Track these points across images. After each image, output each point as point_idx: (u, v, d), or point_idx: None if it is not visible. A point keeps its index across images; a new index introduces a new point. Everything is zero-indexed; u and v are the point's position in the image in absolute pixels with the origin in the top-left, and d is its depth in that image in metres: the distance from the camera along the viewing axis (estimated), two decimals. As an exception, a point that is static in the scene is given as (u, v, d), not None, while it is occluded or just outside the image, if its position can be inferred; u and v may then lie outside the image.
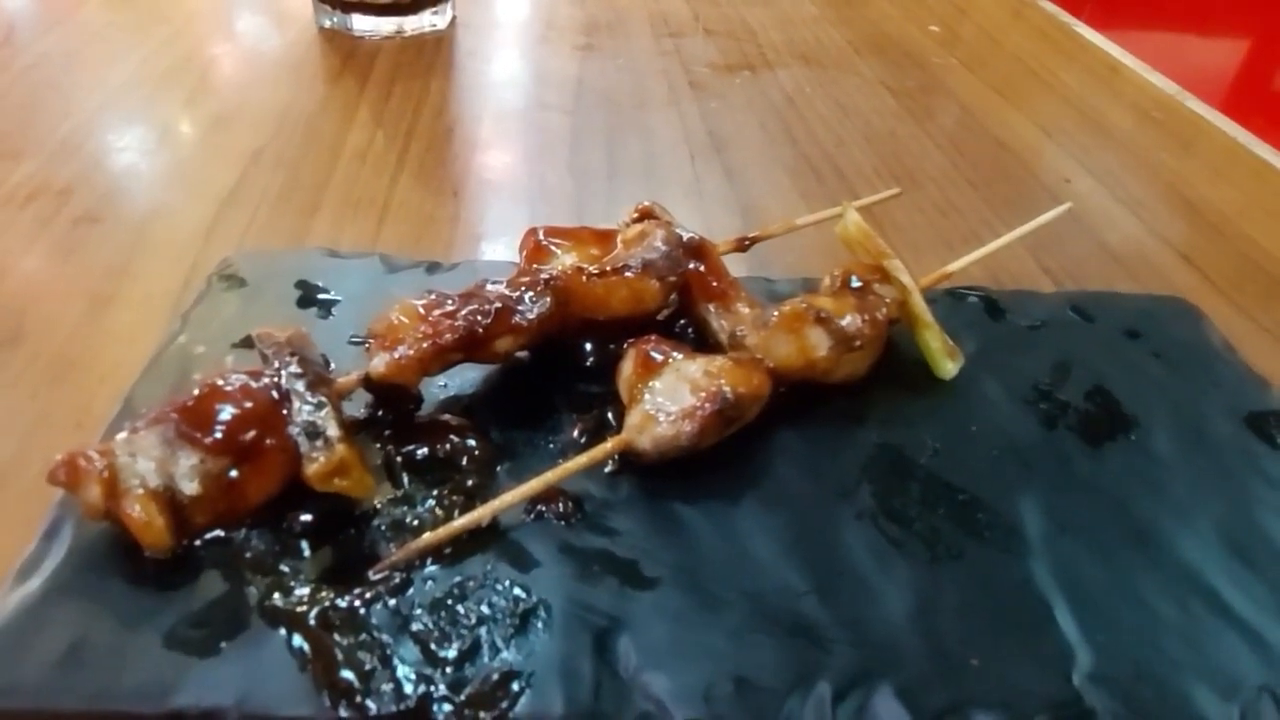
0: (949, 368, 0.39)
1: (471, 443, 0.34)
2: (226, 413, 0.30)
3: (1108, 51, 0.88)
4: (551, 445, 0.35)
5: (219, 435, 0.29)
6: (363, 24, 0.76)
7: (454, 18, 0.81)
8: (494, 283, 0.37)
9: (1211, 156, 0.69)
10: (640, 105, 0.69)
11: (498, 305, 0.35)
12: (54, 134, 0.59)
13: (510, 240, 0.51)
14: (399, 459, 0.33)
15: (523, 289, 0.36)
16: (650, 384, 0.34)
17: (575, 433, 0.35)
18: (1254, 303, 0.52)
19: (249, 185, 0.55)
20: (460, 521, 0.30)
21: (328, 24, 0.77)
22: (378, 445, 0.34)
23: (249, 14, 0.84)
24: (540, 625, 0.28)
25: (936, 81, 0.78)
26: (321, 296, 0.41)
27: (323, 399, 0.31)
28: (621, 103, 0.70)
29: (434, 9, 0.78)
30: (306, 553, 0.30)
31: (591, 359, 0.39)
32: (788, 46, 0.83)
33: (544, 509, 0.32)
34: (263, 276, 0.42)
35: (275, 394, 0.31)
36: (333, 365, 0.36)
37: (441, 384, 0.37)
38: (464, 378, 0.37)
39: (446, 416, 0.36)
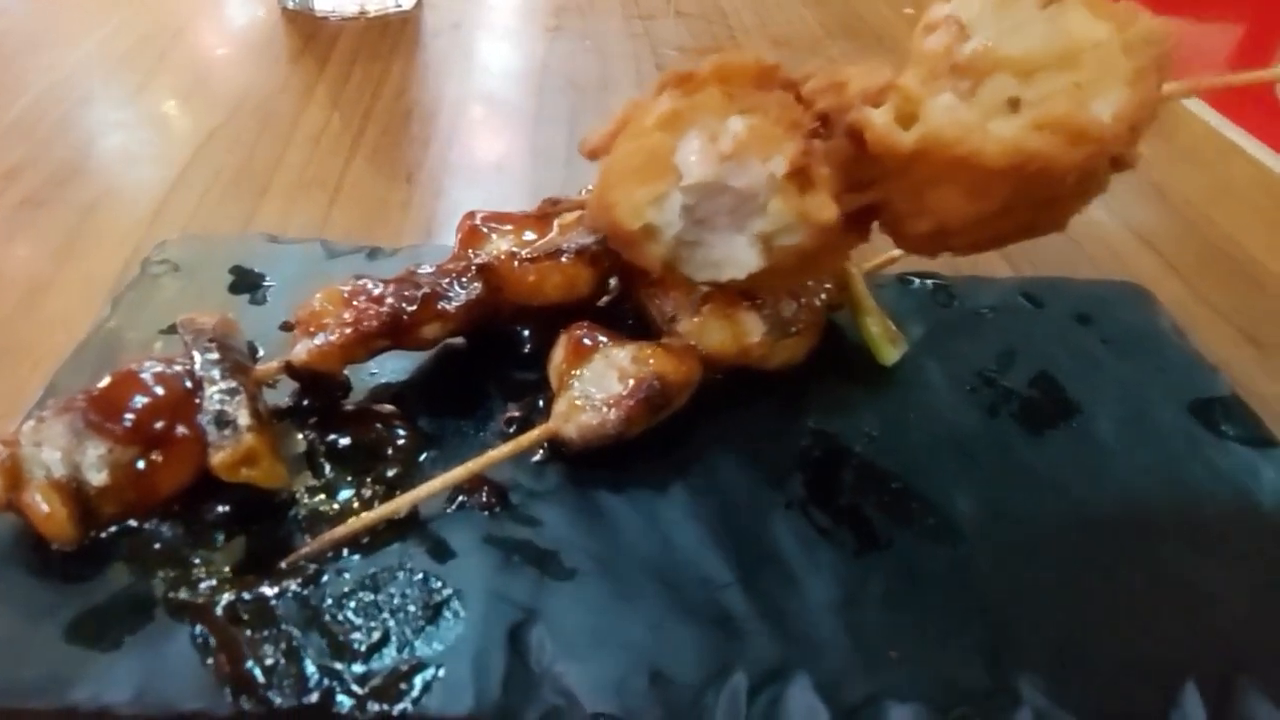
0: (891, 353, 0.39)
1: (400, 431, 0.34)
2: (137, 401, 0.29)
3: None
4: (480, 434, 0.35)
5: (128, 424, 0.29)
6: (324, 4, 0.75)
7: (420, -3, 0.80)
8: (425, 268, 0.36)
9: (1181, 139, 0.68)
10: (604, 88, 0.69)
11: (424, 290, 0.34)
12: (4, 115, 0.58)
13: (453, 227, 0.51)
14: (322, 447, 0.33)
15: (452, 275, 0.35)
16: (580, 371, 0.34)
17: (504, 421, 0.35)
18: (1213, 288, 0.51)
19: (200, 167, 0.54)
20: (376, 512, 0.30)
21: (291, 4, 0.76)
22: (301, 434, 0.33)
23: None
24: (453, 617, 0.28)
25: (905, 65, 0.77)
26: (256, 282, 0.41)
27: (236, 386, 0.30)
28: (586, 86, 0.69)
29: (399, -11, 0.77)
30: (220, 543, 0.29)
31: (529, 345, 0.38)
32: (760, 29, 0.82)
33: (466, 499, 0.32)
34: (198, 262, 0.41)
35: (189, 382, 0.30)
36: (260, 352, 0.36)
37: (372, 371, 0.36)
38: (395, 364, 0.37)
39: (375, 405, 0.35)
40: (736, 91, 0.31)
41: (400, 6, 0.77)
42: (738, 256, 0.32)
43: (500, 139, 0.61)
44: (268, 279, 0.41)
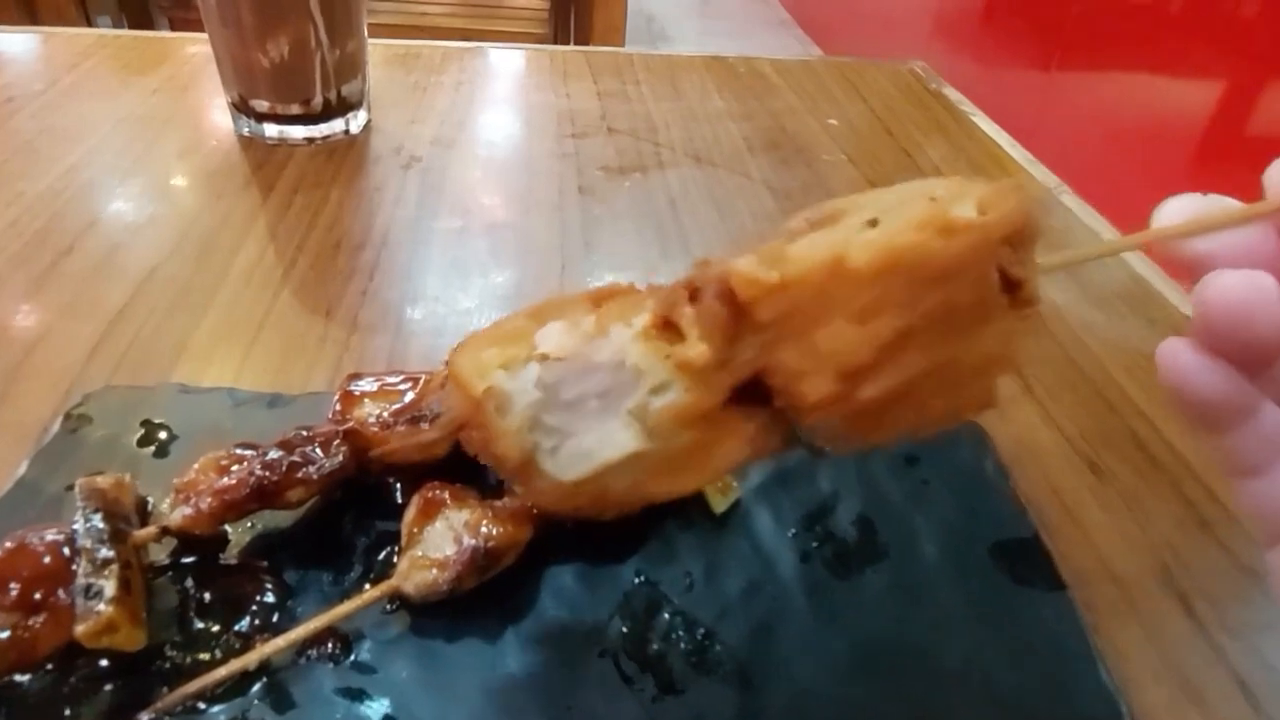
0: (721, 503, 0.43)
1: (268, 585, 0.38)
2: (22, 572, 0.34)
3: (998, 143, 0.92)
4: (340, 584, 0.39)
5: (12, 594, 0.34)
6: (274, 131, 0.80)
7: (369, 121, 0.86)
8: (301, 430, 0.41)
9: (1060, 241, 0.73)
10: (526, 213, 0.74)
11: (292, 459, 0.39)
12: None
13: (360, 366, 0.55)
14: (192, 602, 0.37)
15: (321, 440, 0.40)
16: (426, 529, 0.38)
17: (356, 574, 0.39)
18: (1064, 410, 0.56)
19: (138, 305, 0.59)
20: (228, 667, 0.34)
21: (245, 131, 0.82)
22: (178, 587, 0.38)
23: (180, 121, 0.87)
24: (284, 765, 0.32)
25: (819, 180, 0.83)
26: (162, 435, 0.45)
27: (110, 556, 0.35)
28: (509, 210, 0.74)
29: (346, 115, 0.83)
30: (89, 697, 0.34)
31: (400, 496, 0.43)
32: (685, 145, 0.87)
33: (313, 651, 0.36)
34: (111, 416, 0.46)
35: (68, 550, 0.35)
36: (151, 508, 0.41)
37: (249, 524, 0.41)
38: (272, 518, 0.41)
39: (249, 559, 0.40)
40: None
41: (349, 131, 0.83)
42: (612, 438, 0.30)
43: (416, 275, 0.65)
44: (174, 430, 0.46)
